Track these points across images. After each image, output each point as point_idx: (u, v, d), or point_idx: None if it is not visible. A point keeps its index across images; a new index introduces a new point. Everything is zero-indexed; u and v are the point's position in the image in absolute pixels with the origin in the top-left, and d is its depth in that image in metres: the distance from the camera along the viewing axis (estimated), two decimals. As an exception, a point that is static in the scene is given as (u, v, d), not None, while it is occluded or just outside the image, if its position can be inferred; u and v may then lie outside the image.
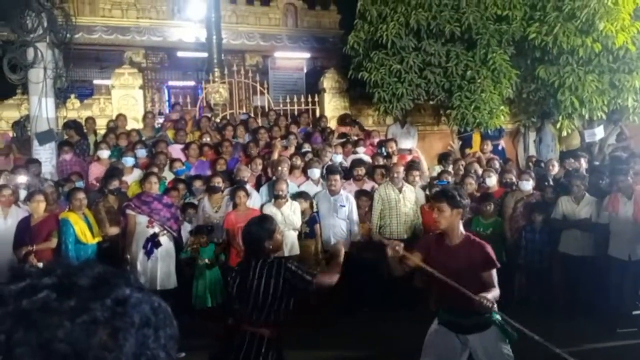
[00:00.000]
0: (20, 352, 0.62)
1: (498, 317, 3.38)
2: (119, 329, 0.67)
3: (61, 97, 8.40)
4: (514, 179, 6.81)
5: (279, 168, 6.58)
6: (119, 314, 0.68)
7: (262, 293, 3.03)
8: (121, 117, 8.47)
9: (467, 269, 3.24)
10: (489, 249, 3.35)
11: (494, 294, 3.19)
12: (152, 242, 5.70)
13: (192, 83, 13.60)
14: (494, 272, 3.32)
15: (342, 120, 9.53)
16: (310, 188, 6.69)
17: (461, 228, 3.43)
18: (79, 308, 0.66)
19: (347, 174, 7.14)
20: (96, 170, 7.07)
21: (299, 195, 6.37)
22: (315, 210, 6.42)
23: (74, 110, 9.04)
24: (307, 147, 7.85)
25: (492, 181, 6.79)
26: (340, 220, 6.34)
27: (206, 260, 5.92)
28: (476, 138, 9.40)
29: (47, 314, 0.64)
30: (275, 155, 7.15)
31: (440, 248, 3.43)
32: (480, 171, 7.25)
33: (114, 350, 0.65)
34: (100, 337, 0.65)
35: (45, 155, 7.67)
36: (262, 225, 3.20)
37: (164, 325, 0.74)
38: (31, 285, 0.68)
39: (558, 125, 8.90)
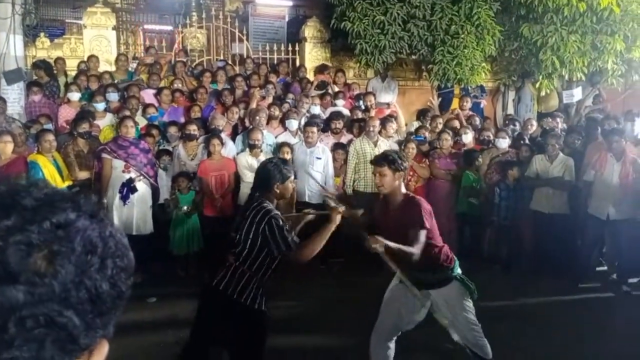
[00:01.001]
0: None
1: (459, 271, 3.43)
2: (56, 253, 0.63)
3: (30, 35, 8.06)
4: (491, 137, 6.84)
5: (257, 118, 6.47)
6: (59, 238, 0.64)
7: (243, 236, 2.97)
8: (93, 58, 8.14)
9: (403, 227, 3.20)
10: (423, 209, 3.27)
11: (411, 249, 3.08)
12: (128, 187, 5.63)
13: (169, 27, 13.12)
14: (422, 232, 3.18)
15: (320, 70, 9.35)
16: (288, 139, 6.62)
17: (403, 189, 3.38)
18: (15, 227, 0.62)
19: (325, 125, 7.07)
20: (66, 113, 6.85)
21: (282, 145, 6.29)
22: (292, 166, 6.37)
23: (44, 49, 8.67)
24: (288, 98, 7.72)
25: (468, 138, 6.82)
26: (316, 172, 6.30)
27: (185, 208, 5.89)
28: (455, 101, 9.38)
29: None
30: (254, 105, 7.02)
31: (384, 212, 3.43)
32: (457, 127, 7.26)
33: (47, 275, 0.61)
34: (35, 261, 0.61)
35: (14, 95, 7.41)
36: (279, 167, 3.08)
37: (114, 255, 0.69)
38: None
39: (537, 85, 8.90)
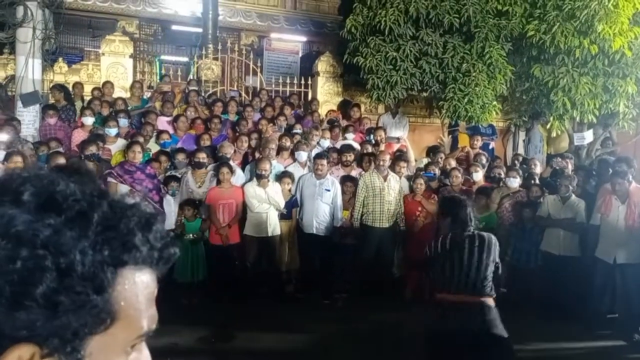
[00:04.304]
0: None
1: None
2: None
3: (49, 60, 8.23)
4: (502, 175, 6.80)
5: (266, 148, 6.50)
6: None
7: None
8: (108, 84, 8.28)
9: None
10: None
11: None
12: (132, 213, 5.60)
13: (185, 58, 13.38)
14: None
15: (343, 106, 9.47)
16: (297, 170, 6.62)
17: None
18: None
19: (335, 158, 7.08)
20: (79, 137, 6.90)
21: (284, 175, 6.30)
22: (294, 194, 6.37)
23: (61, 74, 8.85)
24: (297, 129, 7.76)
25: (479, 176, 6.76)
26: (324, 204, 6.28)
27: (191, 235, 5.85)
28: (462, 136, 9.39)
29: None
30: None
31: None
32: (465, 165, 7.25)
33: None
34: None
35: (29, 117, 7.52)
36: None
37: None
38: None
39: (548, 126, 8.89)
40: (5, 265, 0.57)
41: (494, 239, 3.37)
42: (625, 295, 5.80)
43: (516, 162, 7.59)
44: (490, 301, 3.31)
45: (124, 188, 5.63)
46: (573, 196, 6.04)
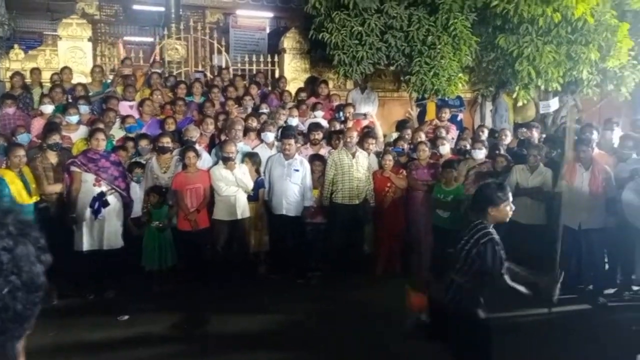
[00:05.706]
0: None
1: None
2: None
3: (3, 47, 7.94)
4: (468, 147, 6.85)
5: (232, 130, 6.41)
6: None
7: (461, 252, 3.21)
8: (66, 70, 8.01)
9: None
10: None
11: None
12: (100, 201, 5.52)
13: (149, 39, 13.05)
14: None
15: (310, 82, 9.36)
16: (264, 151, 6.56)
17: None
18: None
19: (304, 137, 7.02)
20: (39, 125, 6.69)
21: (247, 156, 6.24)
22: (261, 175, 6.32)
23: (18, 61, 8.55)
24: (264, 109, 7.66)
25: (446, 149, 6.79)
26: (294, 184, 6.25)
27: (158, 223, 5.79)
28: (430, 107, 9.41)
29: None
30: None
31: None
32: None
33: None
34: None
35: (-15, 108, 7.26)
36: (495, 191, 3.20)
37: (6, 272, 0.69)
38: None
39: (514, 96, 8.95)
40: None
41: None
42: (590, 259, 5.96)
43: (480, 133, 7.63)
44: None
45: (88, 177, 5.53)
46: (541, 165, 6.12)
